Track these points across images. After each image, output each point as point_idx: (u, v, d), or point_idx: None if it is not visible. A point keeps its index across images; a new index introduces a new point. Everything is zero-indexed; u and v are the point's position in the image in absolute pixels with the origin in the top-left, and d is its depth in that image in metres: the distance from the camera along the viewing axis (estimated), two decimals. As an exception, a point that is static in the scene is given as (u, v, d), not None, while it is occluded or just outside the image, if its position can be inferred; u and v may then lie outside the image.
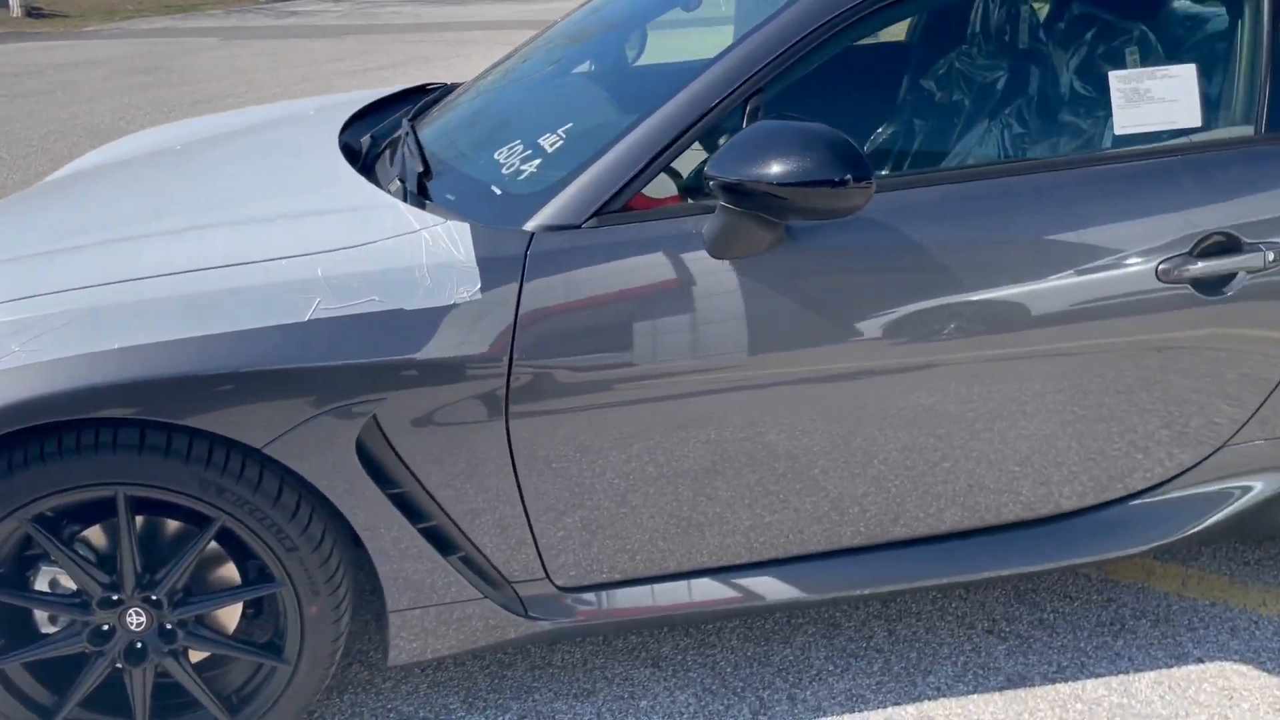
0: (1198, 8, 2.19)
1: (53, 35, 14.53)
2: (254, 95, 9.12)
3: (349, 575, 1.89)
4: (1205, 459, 2.08)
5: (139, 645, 1.86)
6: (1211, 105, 2.02)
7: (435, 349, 1.72)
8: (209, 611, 1.87)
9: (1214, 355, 1.98)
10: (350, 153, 2.38)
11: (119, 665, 1.86)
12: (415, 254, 1.77)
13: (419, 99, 2.82)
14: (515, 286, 1.76)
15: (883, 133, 2.30)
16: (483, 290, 1.75)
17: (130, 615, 1.83)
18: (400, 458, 1.77)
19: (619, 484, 1.88)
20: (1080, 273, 1.89)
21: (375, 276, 1.74)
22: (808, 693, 2.13)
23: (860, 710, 2.08)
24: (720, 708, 2.10)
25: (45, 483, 1.69)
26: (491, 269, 1.76)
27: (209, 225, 1.96)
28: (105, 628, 1.84)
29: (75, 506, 1.77)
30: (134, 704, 1.87)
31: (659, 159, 1.83)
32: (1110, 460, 2.04)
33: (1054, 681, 2.13)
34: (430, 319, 1.73)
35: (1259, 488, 2.12)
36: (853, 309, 1.82)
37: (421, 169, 2.10)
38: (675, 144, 1.83)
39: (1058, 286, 1.89)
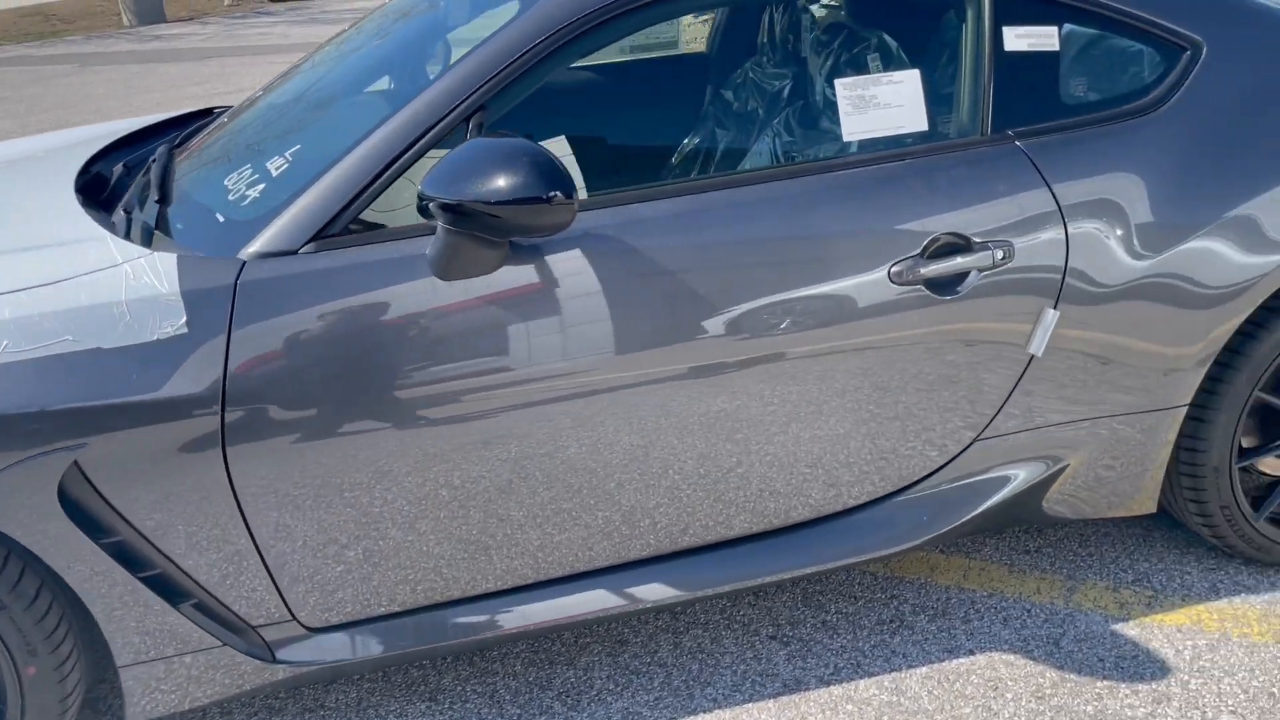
0: (928, 14, 2.23)
1: (-101, 67, 13.90)
2: (101, 121, 8.81)
3: (74, 632, 1.80)
4: (962, 451, 2.12)
5: None
6: (939, 109, 2.06)
7: (138, 389, 1.65)
8: None
9: (957, 352, 2.01)
10: (101, 183, 2.29)
11: None
12: (115, 289, 1.70)
13: (196, 123, 2.73)
14: (225, 318, 1.70)
15: (629, 145, 2.29)
16: (189, 324, 1.68)
17: None
18: (111, 505, 1.70)
19: (358, 516, 1.83)
20: (818, 279, 1.91)
21: (71, 315, 1.67)
22: (584, 715, 2.10)
23: (634, 728, 2.06)
24: (493, 736, 2.06)
25: None
26: (198, 301, 1.69)
27: None
28: None
29: None
30: None
31: (378, 180, 1.79)
32: (874, 459, 2.06)
33: (829, 684, 2.14)
34: (131, 357, 1.65)
35: (1020, 476, 2.17)
36: (583, 325, 1.81)
37: (158, 198, 2.03)
38: (395, 164, 1.79)
39: (798, 294, 1.90)
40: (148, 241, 1.87)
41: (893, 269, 1.92)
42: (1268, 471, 2.38)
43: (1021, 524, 2.29)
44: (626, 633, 2.32)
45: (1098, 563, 2.46)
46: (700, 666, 2.21)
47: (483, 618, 1.96)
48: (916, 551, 2.21)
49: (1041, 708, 2.04)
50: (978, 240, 1.96)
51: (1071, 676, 2.12)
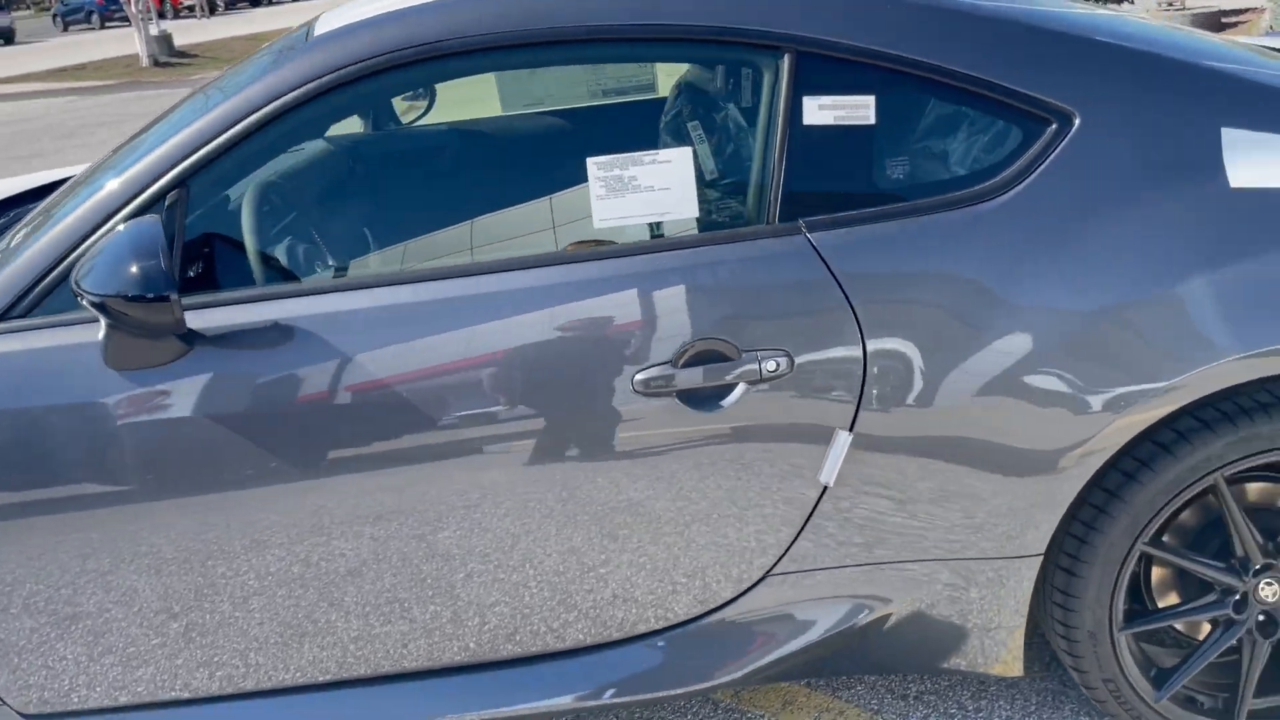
0: (720, 80, 1.93)
1: None
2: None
3: None
4: (752, 587, 1.81)
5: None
6: (719, 193, 1.77)
7: None
8: None
9: (735, 477, 1.72)
10: None
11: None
12: None
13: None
14: None
15: (359, 228, 2.06)
16: None
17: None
18: None
19: (69, 602, 1.75)
20: (555, 388, 1.66)
21: None
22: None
23: None
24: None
25: None
26: None
27: None
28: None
29: None
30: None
31: (64, 261, 1.70)
32: (648, 589, 1.80)
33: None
34: None
35: (827, 620, 1.83)
36: (260, 434, 1.65)
37: None
38: (82, 245, 1.69)
39: (526, 408, 1.67)
40: None
41: (638, 377, 1.65)
42: (1194, 636, 1.93)
43: (859, 671, 1.94)
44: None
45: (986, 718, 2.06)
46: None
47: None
48: (714, 691, 1.91)
49: None
50: (745, 349, 1.66)
51: None
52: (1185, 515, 1.85)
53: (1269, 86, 1.79)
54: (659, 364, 1.66)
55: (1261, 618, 1.83)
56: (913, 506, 1.74)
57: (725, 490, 1.73)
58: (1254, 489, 1.84)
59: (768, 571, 1.80)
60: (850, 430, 1.70)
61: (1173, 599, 1.90)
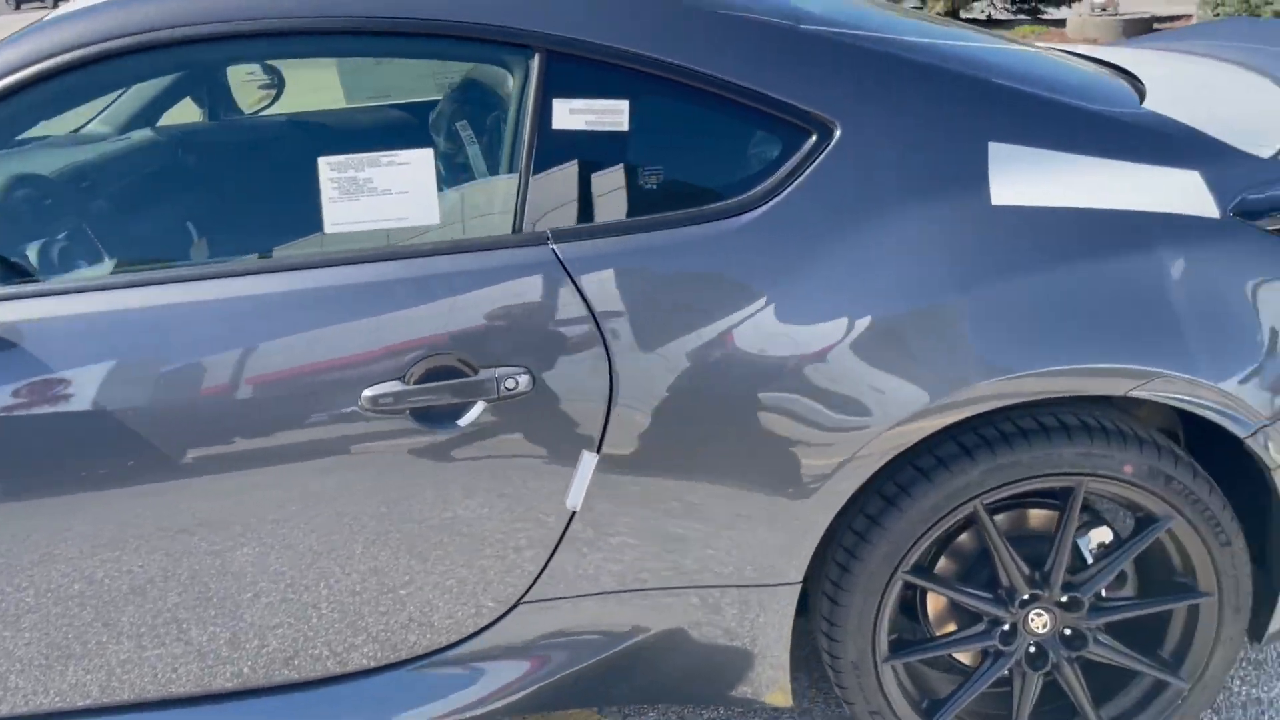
0: (468, 78, 1.84)
1: None
2: None
3: None
4: (505, 615, 1.73)
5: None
6: (464, 199, 1.68)
7: None
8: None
9: (477, 499, 1.64)
10: None
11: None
12: None
13: None
14: None
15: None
16: None
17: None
18: None
19: None
20: (281, 404, 1.57)
21: None
22: None
23: None
24: None
25: None
26: None
27: None
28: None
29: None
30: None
31: None
32: (397, 616, 1.71)
33: None
34: None
35: (589, 648, 1.76)
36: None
37: None
38: None
39: (252, 419, 1.57)
40: None
41: (366, 394, 1.57)
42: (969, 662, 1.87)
43: (636, 699, 1.86)
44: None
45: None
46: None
47: None
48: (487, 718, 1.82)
49: None
50: (484, 365, 1.58)
51: None
52: (961, 542, 1.79)
53: (1046, 99, 1.72)
54: (389, 380, 1.57)
55: (1032, 649, 1.77)
56: (667, 532, 1.67)
57: (471, 513, 1.64)
58: (1026, 516, 1.78)
59: (520, 598, 1.72)
60: (597, 452, 1.62)
61: (951, 628, 1.84)
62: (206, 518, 1.60)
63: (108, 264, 1.73)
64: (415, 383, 1.57)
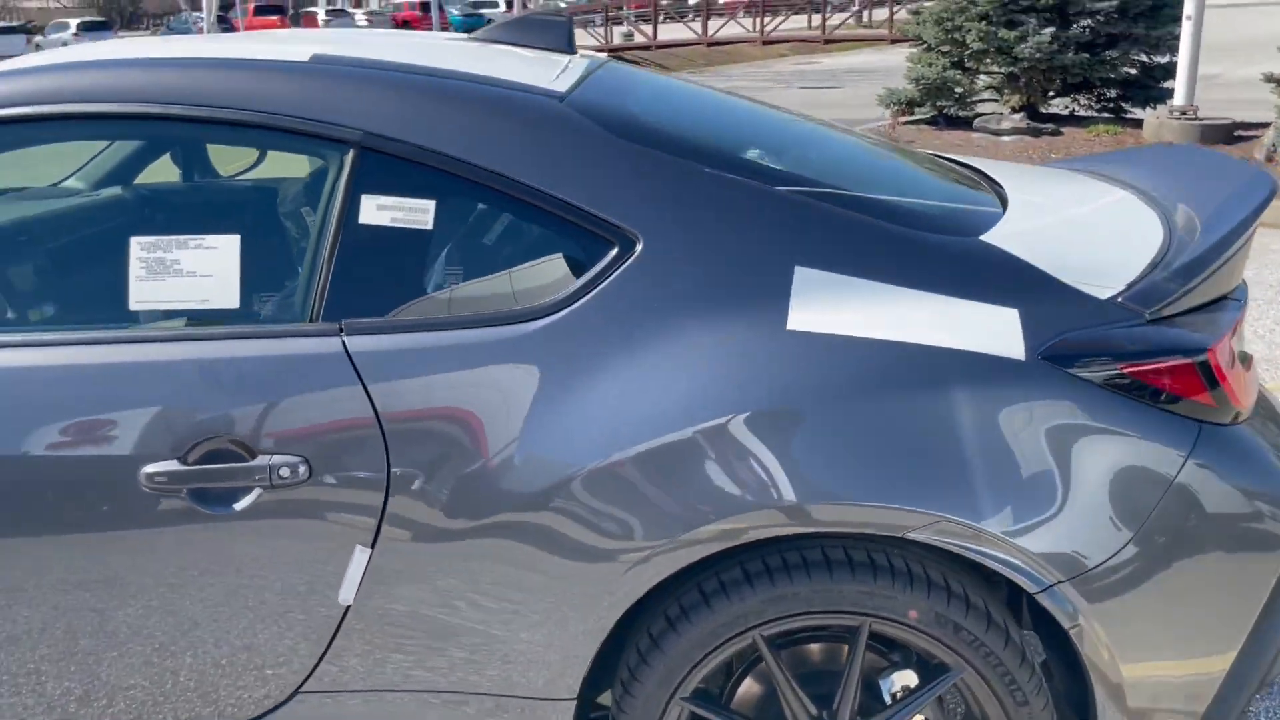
0: (281, 182, 1.87)
1: None
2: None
3: None
4: (283, 704, 1.72)
5: None
6: (267, 285, 1.71)
7: None
8: None
9: (254, 583, 1.64)
10: None
11: None
12: None
13: None
14: None
15: None
16: None
17: None
18: None
19: None
20: (65, 470, 1.61)
21: None
22: None
23: None
24: None
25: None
26: None
27: None
28: None
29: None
30: None
31: None
32: (178, 692, 1.72)
33: None
34: None
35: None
36: None
37: None
38: None
39: (44, 483, 1.62)
40: None
41: (147, 470, 1.60)
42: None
43: None
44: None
45: None
46: None
47: None
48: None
49: None
50: (261, 451, 1.60)
51: None
52: (761, 671, 1.72)
53: (868, 225, 1.69)
54: (169, 459, 1.60)
55: (820, 790, 1.69)
56: (443, 633, 1.65)
57: (248, 598, 1.65)
58: (811, 650, 1.71)
59: (296, 689, 1.71)
60: (371, 548, 1.62)
61: (749, 758, 1.77)
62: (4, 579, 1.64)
63: None
64: (193, 463, 1.60)
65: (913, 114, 10.28)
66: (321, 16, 44.71)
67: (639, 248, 1.63)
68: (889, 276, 1.64)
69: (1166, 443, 1.58)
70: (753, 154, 1.83)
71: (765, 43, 28.48)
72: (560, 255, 1.66)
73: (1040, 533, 1.53)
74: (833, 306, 1.61)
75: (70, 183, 2.29)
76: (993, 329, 1.60)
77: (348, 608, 1.64)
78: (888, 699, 1.69)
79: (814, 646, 1.71)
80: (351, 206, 1.66)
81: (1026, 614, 1.75)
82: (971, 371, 1.56)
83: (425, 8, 46.24)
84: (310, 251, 1.68)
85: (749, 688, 1.73)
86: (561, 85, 1.83)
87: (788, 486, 1.53)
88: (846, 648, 1.68)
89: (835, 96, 13.95)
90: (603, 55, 2.40)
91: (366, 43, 1.95)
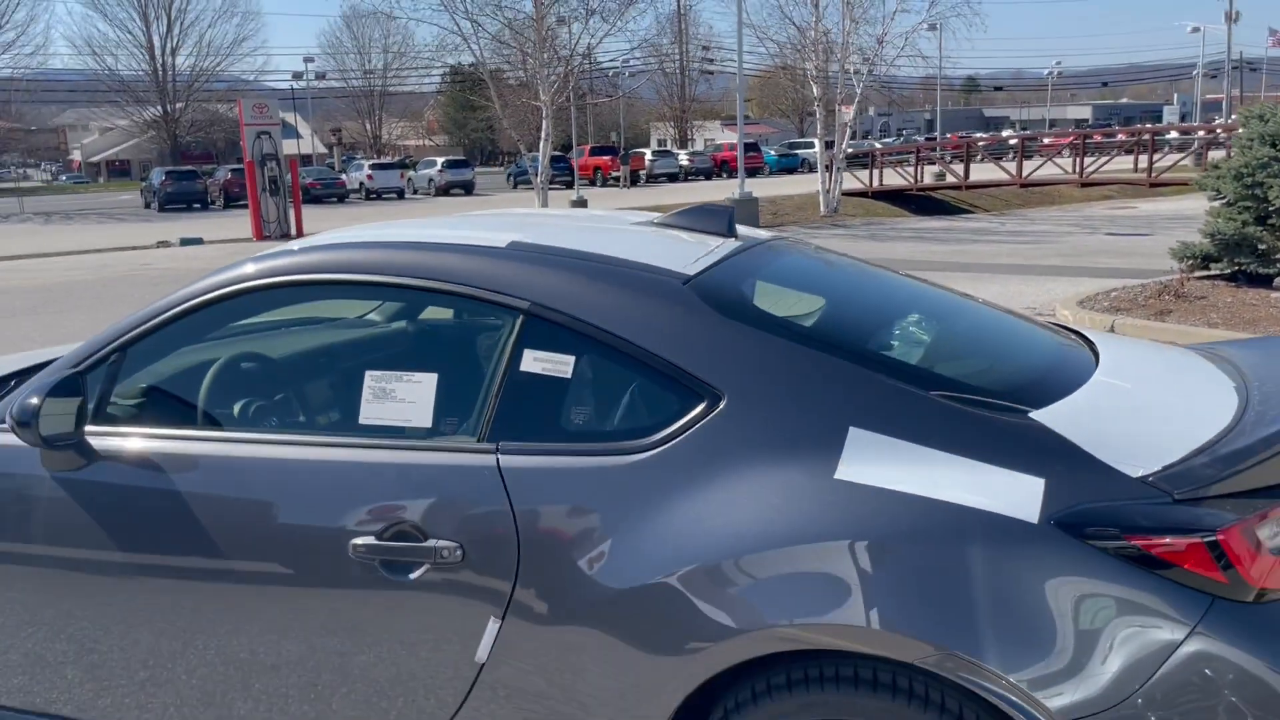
0: (474, 326, 2.43)
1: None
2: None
3: None
4: (432, 735, 2.21)
5: None
6: (451, 411, 2.26)
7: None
8: None
9: (417, 637, 2.16)
10: None
11: None
12: None
13: None
14: None
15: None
16: None
17: None
18: None
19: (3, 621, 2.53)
20: (297, 537, 2.22)
21: None
22: None
23: None
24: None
25: None
26: None
27: None
28: None
29: None
30: None
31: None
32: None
33: None
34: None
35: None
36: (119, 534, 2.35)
37: None
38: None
39: (280, 545, 2.23)
40: None
41: (354, 542, 2.17)
42: None
43: None
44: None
45: None
46: None
47: None
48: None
49: None
50: (433, 535, 2.13)
51: None
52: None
53: (919, 398, 2.01)
54: (367, 534, 2.16)
55: None
56: (553, 692, 2.08)
57: (411, 646, 2.16)
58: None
59: (447, 720, 2.19)
60: (503, 617, 2.09)
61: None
62: (223, 616, 2.25)
63: (233, 420, 2.53)
64: (385, 539, 2.15)
65: (1208, 269, 9.85)
66: (649, 156, 48.20)
67: (724, 403, 2.04)
68: (931, 442, 1.95)
69: (1173, 613, 1.76)
70: (846, 329, 2.20)
71: (1084, 184, 27.36)
72: (665, 402, 2.10)
73: (1036, 673, 1.76)
74: (879, 463, 1.93)
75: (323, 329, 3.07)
76: (1013, 495, 1.86)
77: (482, 665, 2.12)
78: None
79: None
80: (516, 357, 2.20)
81: None
82: (988, 530, 1.83)
83: (746, 148, 48.83)
84: (484, 388, 2.23)
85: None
86: (693, 268, 2.30)
87: (813, 609, 1.85)
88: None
89: (1139, 244, 13.53)
90: (765, 235, 2.87)
91: (555, 228, 2.53)
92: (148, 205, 43.05)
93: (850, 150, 33.91)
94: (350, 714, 2.25)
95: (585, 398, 2.19)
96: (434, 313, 2.85)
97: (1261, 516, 1.84)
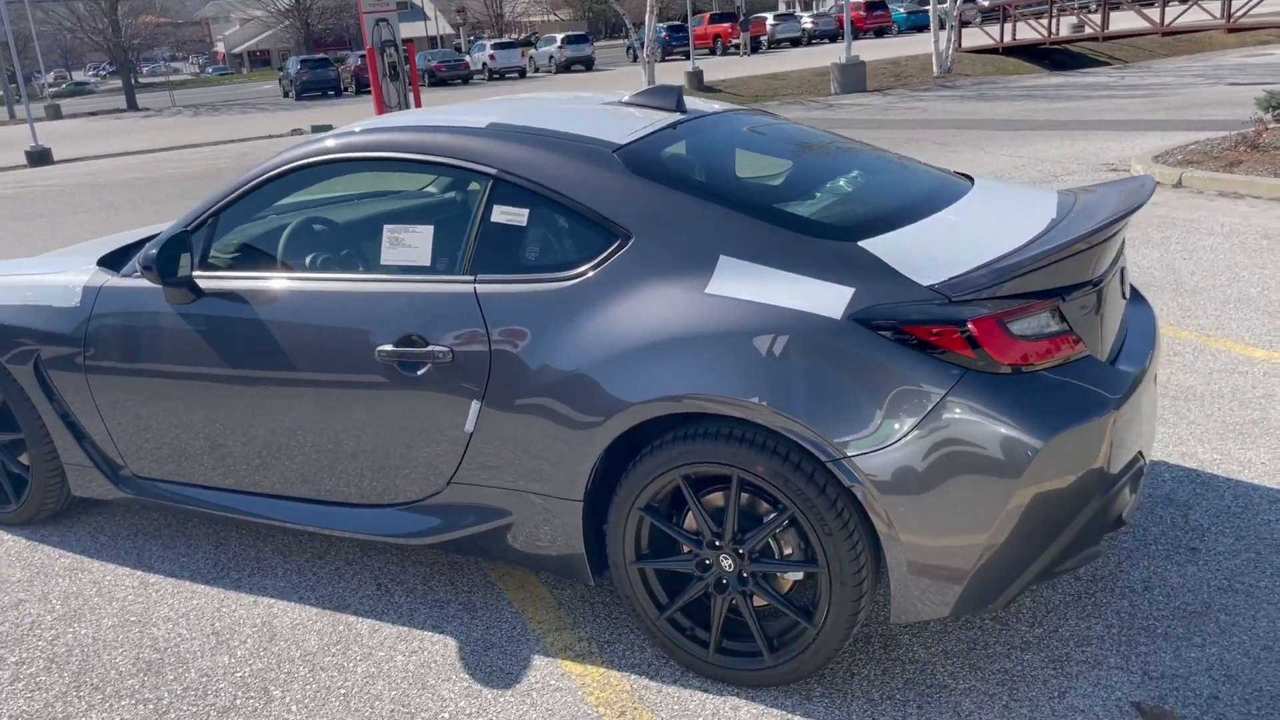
0: (454, 195, 3.17)
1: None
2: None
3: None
4: (444, 487, 3.07)
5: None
6: (440, 254, 3.03)
7: (57, 327, 3.53)
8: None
9: (429, 416, 3.00)
10: None
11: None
12: (72, 282, 3.59)
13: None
14: (90, 307, 3.49)
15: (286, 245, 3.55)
16: (79, 302, 3.51)
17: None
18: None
19: (155, 421, 3.49)
20: (343, 348, 3.07)
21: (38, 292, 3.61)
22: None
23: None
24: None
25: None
26: (89, 295, 3.51)
27: None
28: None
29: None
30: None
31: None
32: (390, 478, 3.14)
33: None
34: (60, 314, 3.54)
35: (480, 517, 3.03)
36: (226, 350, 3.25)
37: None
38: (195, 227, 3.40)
39: (331, 354, 3.09)
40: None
41: (379, 348, 3.00)
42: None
43: (505, 557, 3.06)
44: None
45: (606, 620, 3.10)
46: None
47: (231, 501, 3.48)
48: (432, 549, 3.16)
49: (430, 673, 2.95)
50: (432, 341, 2.94)
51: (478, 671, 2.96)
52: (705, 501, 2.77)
53: (773, 231, 2.68)
54: (387, 343, 2.99)
55: (723, 580, 2.71)
56: (516, 452, 2.89)
57: (426, 423, 3.00)
58: (714, 497, 2.72)
59: (449, 480, 3.04)
60: (482, 399, 2.90)
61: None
62: (297, 408, 3.14)
63: (302, 263, 3.38)
64: (398, 347, 2.98)
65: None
66: (770, 21, 47.26)
67: (632, 241, 2.76)
68: (776, 264, 2.63)
69: (933, 381, 2.43)
70: (744, 177, 2.86)
71: (1232, 29, 25.65)
72: (591, 242, 2.83)
73: (833, 423, 2.45)
74: (737, 280, 2.63)
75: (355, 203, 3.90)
76: (826, 299, 2.53)
77: (471, 433, 2.94)
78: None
79: (715, 494, 2.73)
80: (488, 211, 2.96)
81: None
82: (803, 322, 2.52)
83: (870, 8, 47.31)
84: (465, 235, 3.00)
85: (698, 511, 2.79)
86: (626, 139, 2.99)
87: (689, 381, 2.58)
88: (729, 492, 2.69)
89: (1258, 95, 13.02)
90: (715, 108, 3.53)
91: (535, 110, 3.24)
92: (286, 94, 44.91)
93: (986, 3, 32.31)
94: (396, 476, 3.11)
95: (535, 240, 2.94)
96: (434, 180, 3.63)
97: (1014, 312, 2.48)
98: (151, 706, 2.88)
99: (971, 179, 3.33)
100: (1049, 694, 2.66)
